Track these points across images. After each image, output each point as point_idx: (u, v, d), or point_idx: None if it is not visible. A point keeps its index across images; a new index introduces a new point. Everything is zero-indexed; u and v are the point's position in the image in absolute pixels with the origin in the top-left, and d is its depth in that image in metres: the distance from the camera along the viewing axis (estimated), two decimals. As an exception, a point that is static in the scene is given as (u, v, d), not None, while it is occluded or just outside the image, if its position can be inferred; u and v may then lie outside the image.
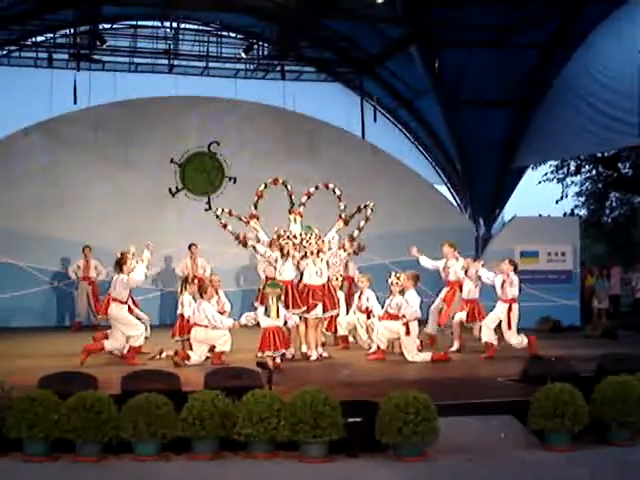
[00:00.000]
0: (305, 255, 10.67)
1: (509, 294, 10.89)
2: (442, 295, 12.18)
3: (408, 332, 10.32)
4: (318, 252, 10.64)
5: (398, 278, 10.68)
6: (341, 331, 11.90)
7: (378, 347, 10.60)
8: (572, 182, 24.74)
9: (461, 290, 11.86)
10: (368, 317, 11.63)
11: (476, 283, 11.44)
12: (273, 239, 11.04)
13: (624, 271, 19.20)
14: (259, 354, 9.59)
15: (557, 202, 24.40)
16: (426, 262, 12.39)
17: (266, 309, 9.76)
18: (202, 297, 10.22)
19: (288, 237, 10.66)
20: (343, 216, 11.34)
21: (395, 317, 10.54)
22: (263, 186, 11.59)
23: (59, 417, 6.42)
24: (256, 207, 11.49)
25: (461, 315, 11.60)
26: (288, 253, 10.60)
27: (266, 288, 10.13)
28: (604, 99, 14.48)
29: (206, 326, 10.03)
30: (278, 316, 9.76)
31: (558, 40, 15.91)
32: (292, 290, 10.53)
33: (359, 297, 11.97)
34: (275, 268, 10.80)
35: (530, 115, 17.06)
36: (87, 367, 8.94)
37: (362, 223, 11.34)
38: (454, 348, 11.44)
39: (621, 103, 13.86)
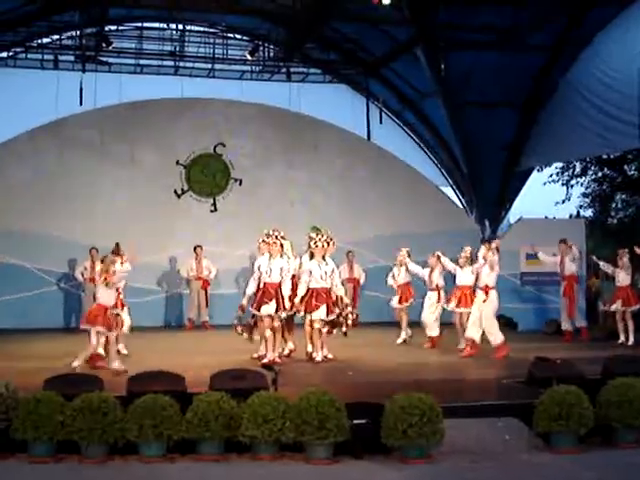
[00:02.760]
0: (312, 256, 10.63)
1: None
2: (562, 291, 13.35)
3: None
4: (323, 255, 10.60)
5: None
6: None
7: (471, 342, 10.96)
8: (577, 182, 24.66)
9: (577, 283, 13.32)
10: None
11: (627, 271, 12.69)
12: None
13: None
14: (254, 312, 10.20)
15: (556, 204, 24.37)
16: (545, 257, 13.69)
17: None
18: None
19: (276, 237, 10.34)
20: None
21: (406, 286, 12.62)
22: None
23: (64, 418, 6.44)
24: None
25: (617, 305, 12.58)
26: (281, 252, 10.35)
27: None
28: (610, 101, 14.44)
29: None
30: None
31: (564, 42, 15.89)
32: (280, 293, 10.23)
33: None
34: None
35: (536, 117, 17.03)
36: (92, 369, 8.97)
37: None
38: (620, 341, 12.47)
39: (627, 105, 13.82)
